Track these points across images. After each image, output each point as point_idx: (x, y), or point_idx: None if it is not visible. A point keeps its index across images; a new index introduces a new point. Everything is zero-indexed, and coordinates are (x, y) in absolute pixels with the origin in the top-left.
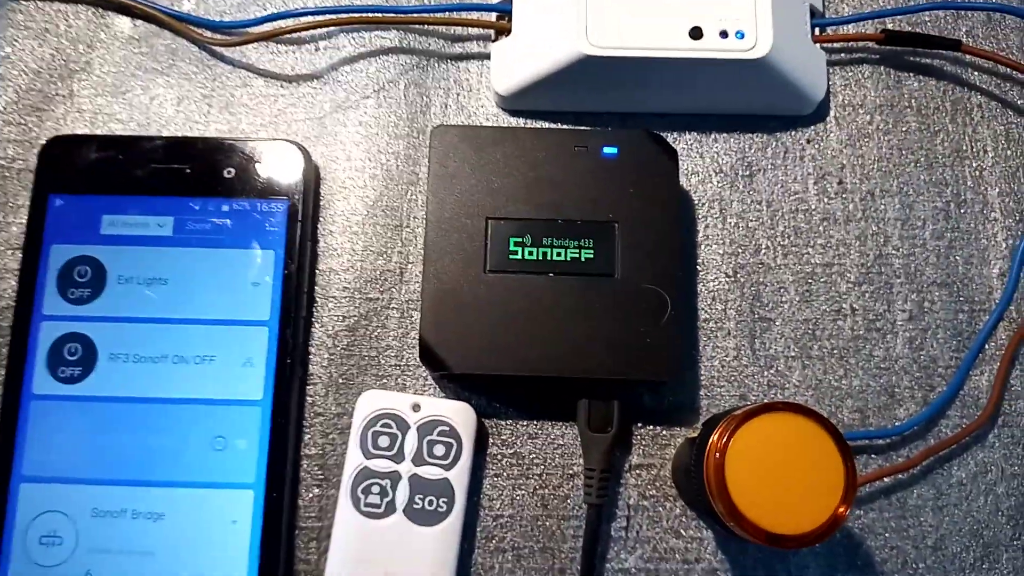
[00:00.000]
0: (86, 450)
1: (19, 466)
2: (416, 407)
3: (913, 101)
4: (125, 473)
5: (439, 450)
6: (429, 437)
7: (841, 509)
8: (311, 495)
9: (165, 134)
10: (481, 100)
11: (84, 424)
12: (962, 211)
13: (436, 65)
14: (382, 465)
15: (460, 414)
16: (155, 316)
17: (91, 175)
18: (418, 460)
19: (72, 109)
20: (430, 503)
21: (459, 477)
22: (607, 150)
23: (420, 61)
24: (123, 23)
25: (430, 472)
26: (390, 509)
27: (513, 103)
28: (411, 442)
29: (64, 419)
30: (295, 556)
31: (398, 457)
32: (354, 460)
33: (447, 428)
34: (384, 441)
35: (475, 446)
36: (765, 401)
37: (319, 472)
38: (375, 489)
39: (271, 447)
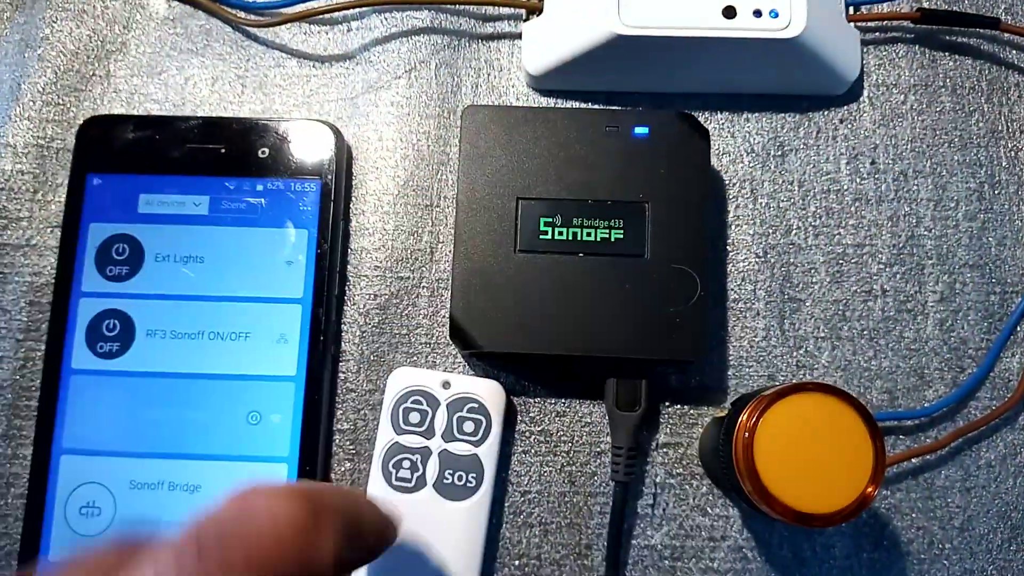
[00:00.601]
0: (124, 423)
1: (59, 438)
2: (446, 384)
3: (948, 81)
4: (162, 446)
5: (468, 426)
6: (459, 414)
7: (869, 489)
8: (343, 469)
9: (200, 114)
10: (512, 80)
11: (122, 398)
12: (996, 192)
13: (467, 45)
14: (413, 441)
15: (489, 391)
16: (191, 294)
17: (128, 155)
18: (448, 436)
19: (109, 89)
20: (459, 478)
21: (488, 453)
22: (638, 130)
23: (451, 41)
24: (158, 4)
25: (460, 448)
26: (420, 483)
27: (544, 83)
28: (441, 418)
29: (103, 393)
30: None
31: (428, 433)
32: (385, 435)
33: (476, 405)
34: (415, 417)
35: (504, 423)
36: (794, 382)
37: (351, 446)
38: (406, 464)
39: (304, 422)
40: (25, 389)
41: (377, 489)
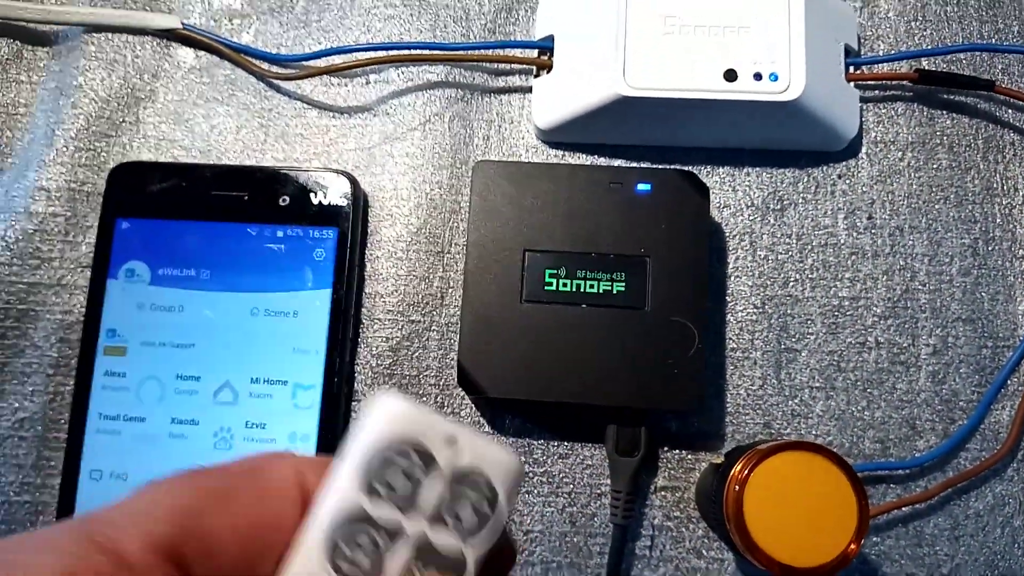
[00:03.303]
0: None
1: (85, 468)
2: (451, 441)
3: (945, 139)
4: None
5: (465, 511)
6: (459, 491)
7: (852, 547)
8: None
9: (224, 161)
10: (522, 133)
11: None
12: (990, 248)
13: (479, 99)
14: (384, 512)
15: (503, 470)
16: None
17: (156, 200)
18: (434, 518)
19: (138, 135)
20: None
21: (477, 552)
22: (641, 187)
23: (464, 95)
24: (186, 54)
25: (444, 540)
26: None
27: (552, 136)
28: (435, 490)
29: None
30: None
31: (409, 506)
32: (347, 493)
33: (483, 482)
34: (398, 479)
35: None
36: (788, 433)
37: None
38: (364, 542)
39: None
40: (54, 422)
41: (305, 569)
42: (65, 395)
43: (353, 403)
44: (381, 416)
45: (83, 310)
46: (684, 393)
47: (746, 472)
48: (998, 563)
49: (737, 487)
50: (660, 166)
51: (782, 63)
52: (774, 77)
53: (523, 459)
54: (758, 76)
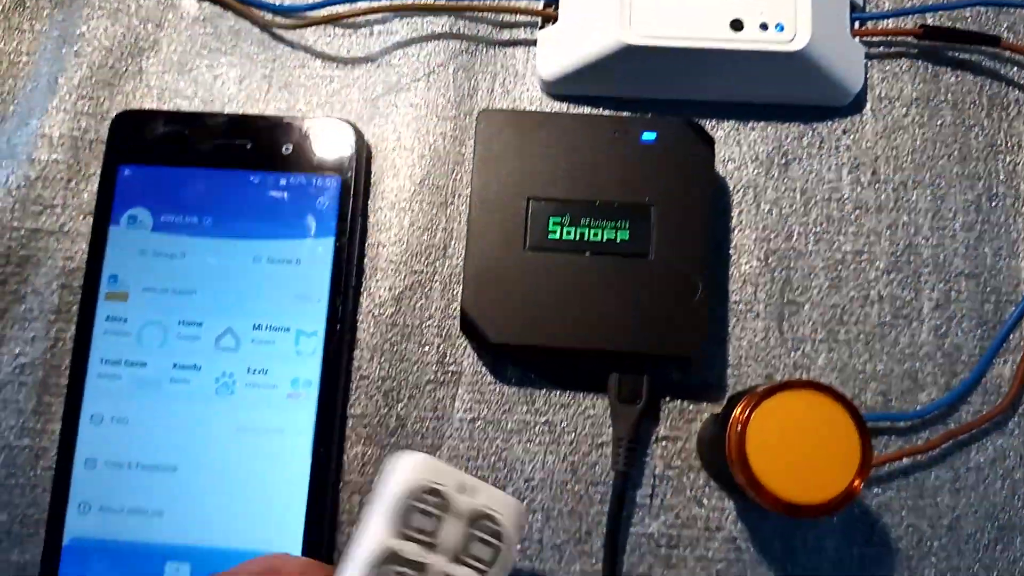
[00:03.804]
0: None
1: (86, 413)
2: (462, 488)
3: (950, 95)
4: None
5: (482, 551)
6: (473, 531)
7: (856, 482)
8: (355, 452)
9: (227, 111)
10: (526, 85)
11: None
12: (993, 204)
13: (484, 50)
14: (412, 551)
15: (511, 511)
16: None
17: (158, 148)
18: (455, 556)
19: (141, 85)
20: None
21: None
22: (646, 136)
23: (469, 46)
24: (190, 4)
25: (464, 574)
26: None
27: (557, 88)
28: (453, 531)
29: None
30: (339, 506)
31: (433, 545)
32: (378, 536)
33: (496, 528)
34: (423, 522)
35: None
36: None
37: (364, 430)
38: None
39: (320, 405)
40: (55, 368)
41: None
42: (66, 341)
43: (356, 351)
44: (404, 467)
45: (85, 256)
46: (687, 338)
47: (747, 413)
48: (998, 515)
49: (740, 427)
50: (665, 116)
51: (788, 14)
52: (780, 27)
53: (526, 409)
54: (764, 26)
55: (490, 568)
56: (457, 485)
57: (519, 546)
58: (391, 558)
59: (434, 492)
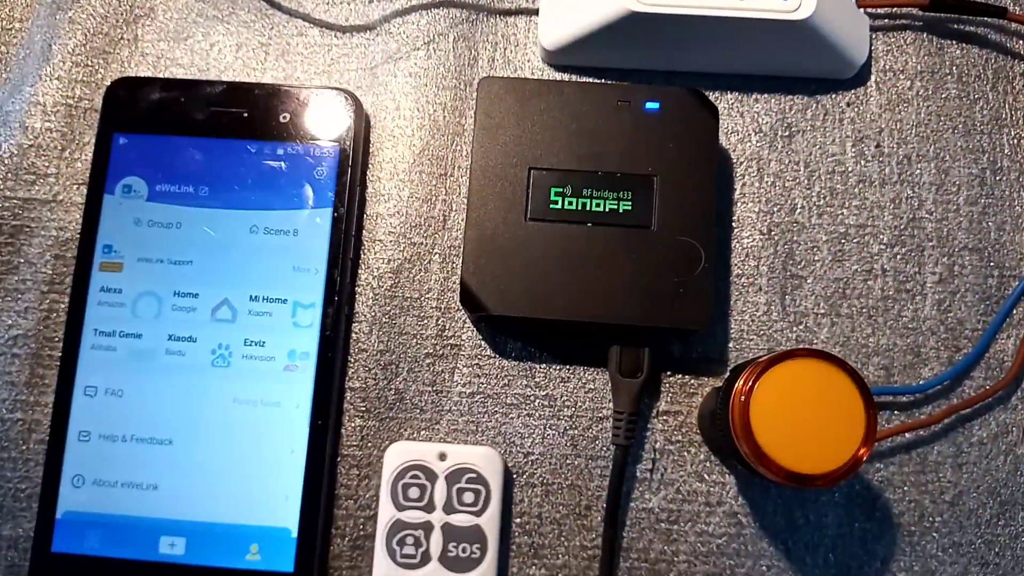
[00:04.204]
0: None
1: (79, 386)
2: (443, 456)
3: (955, 68)
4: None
5: (468, 497)
6: (458, 485)
7: (861, 451)
8: (354, 425)
9: (224, 79)
10: (527, 55)
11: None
12: (997, 178)
13: (485, 19)
14: (414, 516)
15: (486, 460)
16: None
17: (153, 116)
18: (449, 508)
19: (136, 53)
20: (464, 550)
21: (490, 522)
22: (649, 105)
23: (469, 15)
24: None
25: (461, 520)
26: (426, 559)
27: (559, 59)
28: (440, 491)
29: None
30: (337, 480)
31: (429, 507)
32: (387, 513)
33: (475, 475)
34: (414, 492)
35: (503, 489)
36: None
37: (362, 404)
38: (409, 540)
39: (318, 378)
40: (48, 339)
41: (383, 568)
42: (60, 312)
43: (354, 324)
44: (388, 457)
45: (79, 227)
46: (691, 312)
47: (751, 383)
48: (1000, 490)
49: (743, 398)
50: (669, 86)
51: None
52: None
53: (525, 383)
54: None
55: (482, 507)
56: (436, 455)
57: (500, 487)
58: (399, 526)
59: (416, 467)
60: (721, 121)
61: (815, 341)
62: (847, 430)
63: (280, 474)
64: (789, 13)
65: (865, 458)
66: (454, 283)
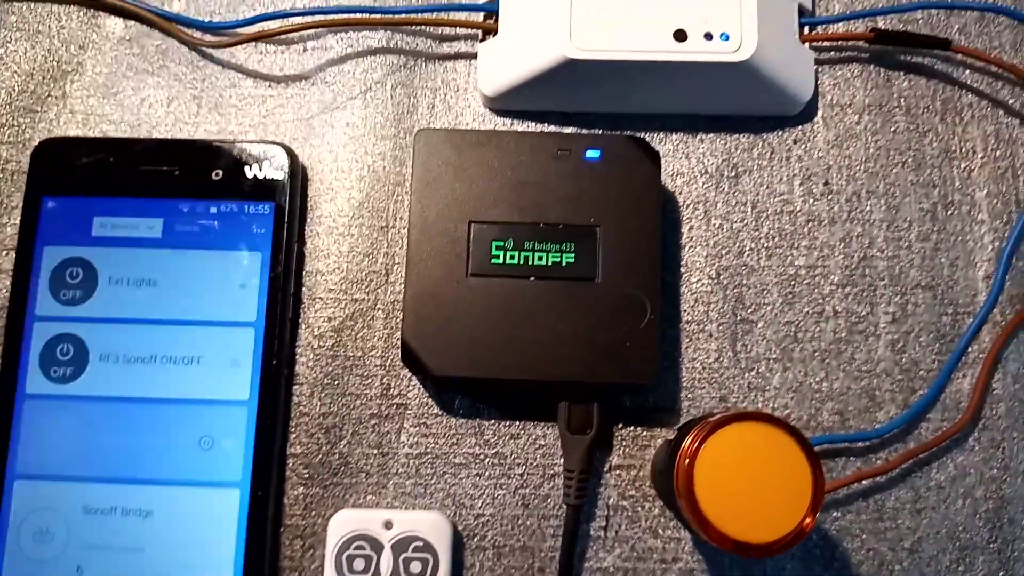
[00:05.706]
0: (77, 449)
1: (13, 464)
2: (388, 524)
3: (902, 101)
4: (115, 471)
5: (416, 567)
6: (404, 555)
7: (807, 520)
8: (296, 493)
9: (155, 135)
10: (468, 100)
11: (75, 423)
12: (949, 213)
13: (423, 65)
14: None
15: (434, 527)
16: (144, 317)
17: (83, 177)
18: None
19: (64, 110)
20: None
21: None
22: (590, 154)
23: (407, 61)
24: (114, 24)
25: None
26: None
27: (500, 104)
28: (387, 562)
29: (56, 418)
30: (280, 553)
31: None
32: None
33: (422, 543)
34: (359, 564)
35: (451, 557)
36: (742, 405)
37: (304, 471)
38: None
39: (257, 446)
40: None
41: None
42: None
43: (294, 387)
44: (332, 528)
45: (7, 294)
46: (638, 366)
47: (696, 445)
48: (959, 535)
49: (687, 461)
50: (609, 132)
51: (733, 22)
52: (725, 37)
53: (474, 441)
54: (708, 36)
55: None
56: (382, 523)
57: (448, 555)
58: None
59: (361, 537)
60: (666, 163)
61: (767, 388)
62: (793, 497)
63: (217, 551)
64: (730, 55)
65: (811, 528)
66: (398, 339)
